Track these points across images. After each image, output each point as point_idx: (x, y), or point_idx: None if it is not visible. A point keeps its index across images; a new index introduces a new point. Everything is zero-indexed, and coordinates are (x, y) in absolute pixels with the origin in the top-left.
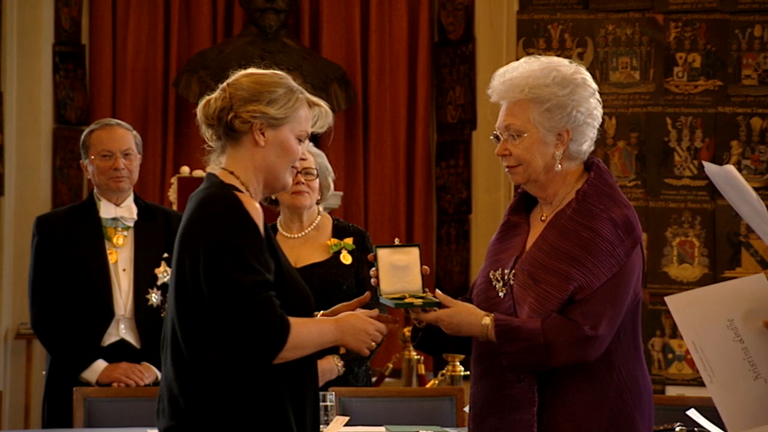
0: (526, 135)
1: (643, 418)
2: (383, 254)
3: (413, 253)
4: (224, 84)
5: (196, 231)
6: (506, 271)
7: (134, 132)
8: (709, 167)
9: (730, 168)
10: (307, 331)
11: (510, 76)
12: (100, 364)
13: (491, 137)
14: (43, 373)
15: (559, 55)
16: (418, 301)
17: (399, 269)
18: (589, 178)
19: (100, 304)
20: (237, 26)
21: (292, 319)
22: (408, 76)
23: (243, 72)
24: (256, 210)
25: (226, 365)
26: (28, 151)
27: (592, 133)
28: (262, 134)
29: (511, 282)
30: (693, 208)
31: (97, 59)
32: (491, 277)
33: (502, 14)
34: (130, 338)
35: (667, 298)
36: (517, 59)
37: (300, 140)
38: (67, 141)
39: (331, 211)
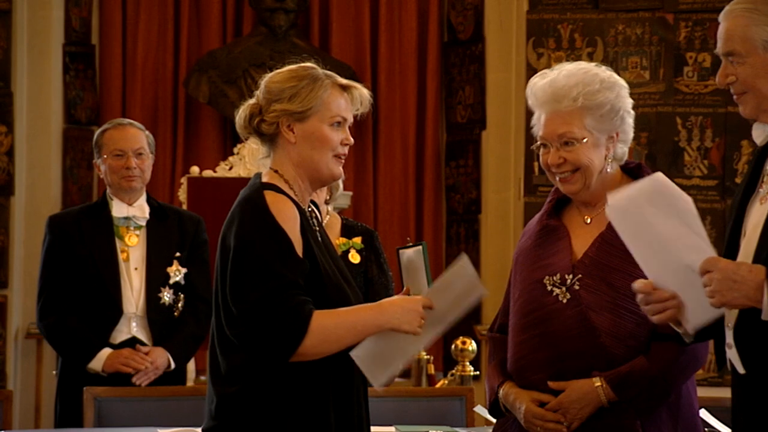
0: (584, 140)
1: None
2: (402, 254)
3: (419, 252)
4: (258, 91)
5: (227, 234)
6: (567, 276)
7: (147, 132)
8: (615, 200)
9: (660, 175)
10: (336, 321)
11: (557, 85)
12: (105, 352)
13: (534, 147)
14: (54, 372)
15: (569, 55)
16: None
17: (411, 271)
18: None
19: (110, 302)
20: (246, 26)
21: (317, 311)
22: (417, 76)
23: (273, 73)
24: (283, 211)
25: (251, 366)
26: (38, 151)
27: (632, 132)
28: (292, 131)
29: (576, 287)
30: (703, 208)
31: (107, 59)
32: (546, 282)
33: (511, 14)
34: (142, 336)
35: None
36: (527, 59)
37: (338, 125)
38: (77, 141)
39: (341, 211)
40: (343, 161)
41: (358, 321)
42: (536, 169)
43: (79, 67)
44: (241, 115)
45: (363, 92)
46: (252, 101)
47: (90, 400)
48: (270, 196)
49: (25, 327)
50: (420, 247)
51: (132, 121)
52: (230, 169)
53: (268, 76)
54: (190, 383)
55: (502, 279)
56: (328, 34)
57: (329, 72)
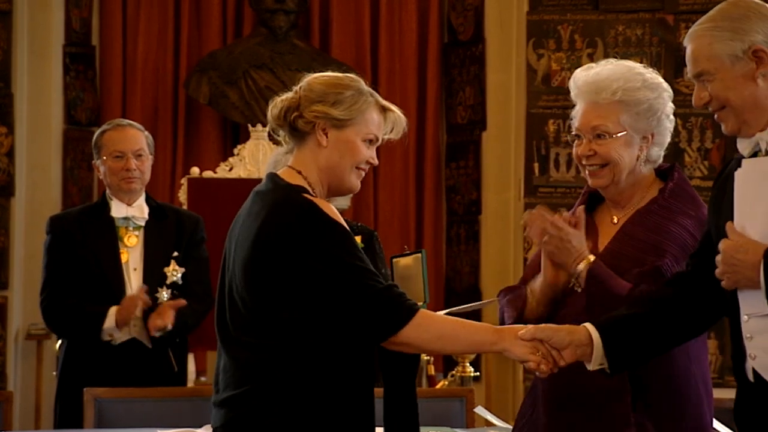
0: (616, 135)
1: (709, 409)
2: (396, 263)
3: (418, 260)
4: (297, 86)
5: (281, 238)
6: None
7: (146, 132)
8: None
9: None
10: (455, 325)
11: (599, 77)
12: (114, 309)
13: (569, 136)
14: (54, 373)
15: (569, 57)
16: None
17: (406, 279)
18: (674, 179)
19: (113, 303)
20: (247, 27)
21: (428, 311)
22: (418, 76)
23: (317, 74)
24: (332, 210)
25: (257, 365)
26: (39, 152)
27: (669, 137)
28: (325, 135)
29: None
30: None
31: (107, 60)
32: None
33: (511, 15)
34: (141, 337)
35: None
36: (527, 60)
37: (369, 142)
38: (77, 142)
39: (341, 212)
40: (362, 176)
41: (476, 330)
42: (536, 170)
43: (79, 68)
44: (277, 105)
45: (400, 118)
46: (290, 95)
47: (90, 401)
48: (314, 200)
49: (26, 328)
50: (419, 255)
51: (131, 121)
52: (230, 170)
53: (313, 75)
54: (190, 384)
55: (502, 280)
56: (328, 35)
57: (372, 90)
